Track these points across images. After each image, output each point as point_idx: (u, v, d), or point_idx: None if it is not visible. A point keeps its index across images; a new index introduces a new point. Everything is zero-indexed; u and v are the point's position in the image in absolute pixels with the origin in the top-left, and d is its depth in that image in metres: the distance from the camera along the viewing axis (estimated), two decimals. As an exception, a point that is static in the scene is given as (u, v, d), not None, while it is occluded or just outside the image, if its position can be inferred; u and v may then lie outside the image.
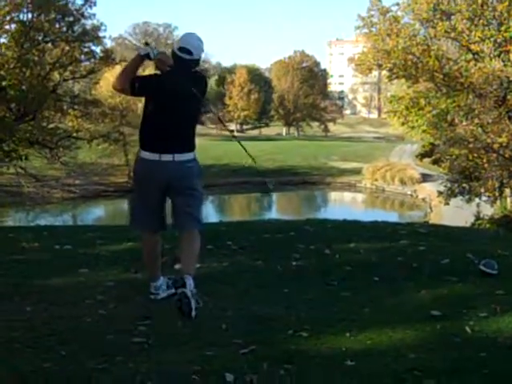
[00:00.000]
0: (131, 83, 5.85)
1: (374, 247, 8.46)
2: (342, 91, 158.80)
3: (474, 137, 25.82)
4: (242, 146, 6.53)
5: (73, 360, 4.46)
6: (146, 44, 6.03)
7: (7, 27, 32.72)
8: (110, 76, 59.63)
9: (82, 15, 34.37)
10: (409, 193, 59.76)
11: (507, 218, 26.71)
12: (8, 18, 32.02)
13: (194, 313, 5.29)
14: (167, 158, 5.75)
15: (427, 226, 12.61)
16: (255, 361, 4.48)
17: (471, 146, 26.07)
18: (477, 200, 29.94)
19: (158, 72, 6.00)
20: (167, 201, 6.02)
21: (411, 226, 12.04)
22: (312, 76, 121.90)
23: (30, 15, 32.89)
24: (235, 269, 7.31)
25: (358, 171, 69.59)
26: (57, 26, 34.04)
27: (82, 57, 35.58)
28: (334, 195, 67.80)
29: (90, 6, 34.46)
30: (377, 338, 4.97)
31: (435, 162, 37.49)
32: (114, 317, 5.49)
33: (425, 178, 59.91)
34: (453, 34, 27.07)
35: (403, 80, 31.05)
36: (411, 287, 6.54)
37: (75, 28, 34.59)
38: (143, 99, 5.98)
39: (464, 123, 26.56)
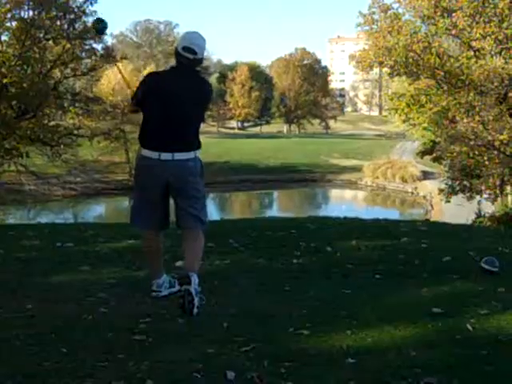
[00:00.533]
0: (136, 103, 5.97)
1: (375, 245, 8.47)
2: (342, 88, 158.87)
3: (474, 134, 25.80)
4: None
5: (74, 358, 4.46)
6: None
7: (8, 24, 32.67)
8: (111, 73, 59.86)
9: (84, 12, 34.30)
10: (410, 190, 59.81)
11: (508, 216, 26.69)
12: (9, 15, 31.98)
13: (195, 310, 5.31)
14: (167, 156, 5.73)
15: (428, 224, 12.61)
16: (256, 359, 4.48)
17: (472, 143, 26.07)
18: (478, 197, 29.96)
19: (160, 69, 6.04)
20: (170, 200, 6.00)
21: (412, 223, 12.06)
22: (313, 73, 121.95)
23: (30, 12, 32.82)
24: (236, 266, 7.32)
25: (358, 169, 69.64)
26: (58, 23, 33.97)
27: (83, 54, 35.50)
28: (334, 193, 67.85)
29: (91, 4, 34.36)
30: (378, 336, 4.97)
31: (436, 160, 37.52)
32: (115, 314, 5.49)
33: (426, 175, 59.97)
34: (454, 31, 27.04)
35: (404, 77, 31.05)
36: (412, 285, 6.54)
37: (76, 25, 34.50)
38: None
39: (465, 120, 26.51)
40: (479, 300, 5.92)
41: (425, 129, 34.26)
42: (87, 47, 35.37)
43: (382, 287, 6.40)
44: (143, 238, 6.23)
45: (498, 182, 28.75)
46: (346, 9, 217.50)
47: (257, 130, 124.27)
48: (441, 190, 31.87)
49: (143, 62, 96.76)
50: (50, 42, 34.18)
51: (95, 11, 34.81)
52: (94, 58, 35.94)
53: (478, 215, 28.65)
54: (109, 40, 48.86)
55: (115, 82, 61.64)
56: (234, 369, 4.27)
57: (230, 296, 6.11)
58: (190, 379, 4.16)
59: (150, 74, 6.29)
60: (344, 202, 59.94)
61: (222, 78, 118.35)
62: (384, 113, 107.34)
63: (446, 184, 30.94)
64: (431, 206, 46.70)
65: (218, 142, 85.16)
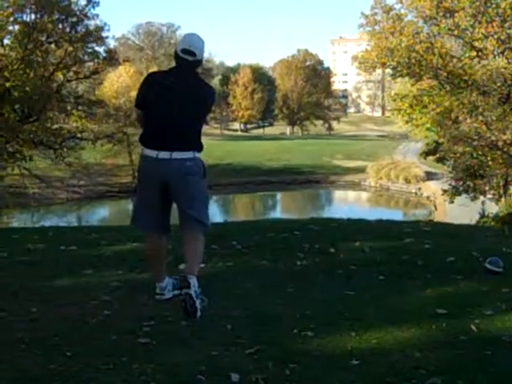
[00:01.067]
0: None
1: (378, 246, 8.46)
2: (345, 89, 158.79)
3: (478, 134, 25.77)
4: None
5: (78, 361, 4.46)
6: None
7: (11, 28, 32.78)
8: (113, 76, 59.92)
9: (85, 16, 34.44)
10: (413, 191, 59.75)
11: (512, 216, 26.66)
12: (11, 19, 32.06)
13: (199, 313, 5.31)
14: (164, 155, 5.71)
15: (432, 224, 12.61)
16: (260, 360, 4.48)
17: (475, 143, 26.04)
18: (481, 198, 29.92)
19: (160, 69, 6.08)
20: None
21: (416, 224, 12.05)
22: (315, 75, 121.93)
23: (33, 16, 32.96)
24: (240, 268, 7.31)
25: (362, 170, 69.57)
26: (60, 26, 34.11)
27: (86, 57, 35.65)
28: (338, 194, 67.80)
29: (93, 7, 34.54)
30: (382, 337, 4.97)
31: (439, 160, 37.48)
32: (119, 317, 5.49)
33: (429, 176, 59.88)
34: (456, 32, 27.02)
35: (407, 78, 31.03)
36: (416, 286, 6.54)
37: (78, 28, 34.65)
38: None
39: (468, 121, 26.48)
40: (483, 300, 5.92)
41: (428, 129, 34.21)
42: (89, 50, 35.48)
43: (386, 288, 6.40)
44: (146, 239, 6.22)
45: (501, 182, 28.72)
46: (348, 10, 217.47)
47: (260, 131, 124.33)
48: (444, 191, 31.86)
49: (145, 64, 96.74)
50: (53, 45, 34.34)
51: (97, 14, 34.96)
52: (96, 60, 36.05)
53: (482, 215, 28.60)
54: (111, 43, 48.86)
55: (118, 84, 61.63)
56: (238, 371, 4.27)
57: (233, 298, 6.11)
58: (195, 381, 4.16)
59: (150, 75, 6.28)
60: (347, 203, 59.88)
61: (225, 80, 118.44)
62: (387, 114, 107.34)
63: (450, 184, 30.92)
64: (435, 206, 46.61)
65: (220, 144, 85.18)
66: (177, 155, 5.71)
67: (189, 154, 5.76)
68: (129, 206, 57.32)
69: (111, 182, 58.78)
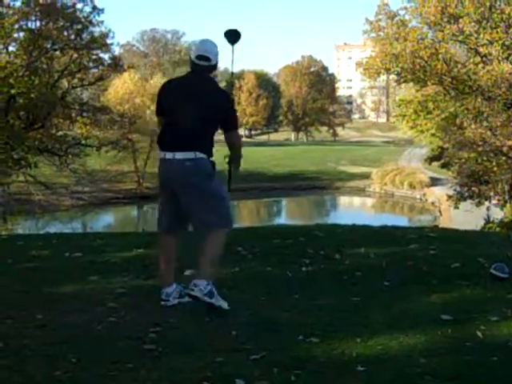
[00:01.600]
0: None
1: (383, 252, 8.45)
2: (350, 95, 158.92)
3: (483, 140, 25.78)
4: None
5: (84, 367, 4.47)
6: None
7: (16, 35, 32.84)
8: (118, 83, 59.97)
9: (90, 22, 34.48)
10: (418, 197, 59.71)
11: (517, 221, 26.64)
12: (16, 26, 32.13)
13: (217, 304, 5.67)
14: (169, 156, 5.93)
15: (437, 230, 12.58)
16: (266, 367, 4.48)
17: (480, 149, 26.05)
18: (486, 203, 29.90)
19: (167, 78, 6.19)
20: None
21: (421, 230, 12.02)
22: (320, 81, 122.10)
23: (38, 23, 33.02)
24: (245, 275, 7.31)
25: (367, 176, 69.58)
26: (65, 33, 34.14)
27: (91, 64, 35.66)
28: (343, 200, 67.80)
29: (98, 14, 34.58)
30: (387, 344, 4.96)
31: (444, 166, 37.50)
32: (125, 324, 5.50)
33: (434, 181, 59.86)
34: (461, 37, 27.03)
35: (411, 84, 31.04)
36: (421, 291, 6.53)
37: (83, 35, 34.68)
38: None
39: (473, 126, 26.48)
40: (489, 306, 5.91)
41: (433, 135, 34.23)
42: (94, 57, 35.52)
43: (391, 294, 6.39)
44: (159, 240, 6.34)
45: (506, 188, 28.68)
46: (353, 16, 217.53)
47: (264, 137, 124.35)
48: (449, 196, 31.84)
49: (150, 71, 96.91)
50: (58, 52, 34.37)
51: (102, 21, 35.00)
52: (101, 67, 36.08)
53: (487, 221, 28.58)
54: (116, 49, 48.97)
55: (122, 91, 61.66)
56: (243, 377, 4.27)
57: (238, 304, 6.10)
58: (200, 388, 4.17)
59: (166, 82, 6.48)
60: (352, 209, 59.89)
61: (229, 86, 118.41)
62: (392, 119, 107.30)
63: (455, 190, 30.91)
64: (440, 212, 46.56)
65: (225, 150, 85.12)
66: (179, 155, 5.86)
67: (190, 155, 5.84)
68: (134, 212, 57.42)
69: (116, 189, 58.78)
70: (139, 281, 7.10)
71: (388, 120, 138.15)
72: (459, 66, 26.83)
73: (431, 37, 28.09)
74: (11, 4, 32.24)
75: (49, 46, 33.63)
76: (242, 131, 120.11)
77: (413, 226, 17.81)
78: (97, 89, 44.92)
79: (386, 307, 5.99)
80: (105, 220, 52.30)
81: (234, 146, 6.31)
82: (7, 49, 32.63)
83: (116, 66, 36.44)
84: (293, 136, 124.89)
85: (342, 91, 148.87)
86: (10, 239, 11.73)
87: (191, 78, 6.07)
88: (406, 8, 28.70)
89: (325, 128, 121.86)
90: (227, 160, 6.50)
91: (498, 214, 29.61)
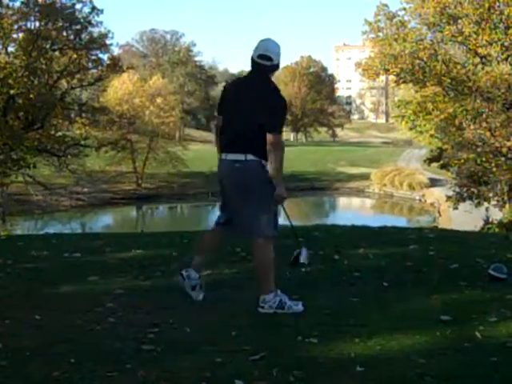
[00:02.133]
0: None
1: (382, 252, 8.45)
2: (349, 96, 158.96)
3: (482, 141, 25.80)
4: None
5: (82, 368, 4.46)
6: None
7: (15, 36, 32.84)
8: (117, 83, 59.99)
9: (89, 23, 34.51)
10: (417, 198, 59.75)
11: (516, 222, 26.63)
12: (16, 26, 32.14)
13: (290, 311, 5.87)
14: (223, 156, 6.04)
15: (436, 231, 12.60)
16: (265, 367, 4.47)
17: (479, 150, 26.06)
18: (485, 204, 29.89)
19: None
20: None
21: (420, 230, 12.04)
22: (319, 81, 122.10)
23: (37, 24, 33.03)
24: (244, 275, 7.30)
25: (366, 176, 69.60)
26: (64, 34, 34.17)
27: (90, 64, 35.68)
28: (342, 201, 67.83)
29: (97, 14, 34.60)
30: (386, 344, 4.96)
31: (443, 167, 37.45)
32: (124, 324, 5.49)
33: (433, 182, 59.89)
34: (460, 38, 27.05)
35: (411, 84, 31.05)
36: (420, 292, 6.52)
37: (82, 36, 34.71)
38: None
39: (472, 127, 26.50)
40: (488, 307, 5.91)
41: (432, 136, 34.20)
42: (93, 57, 35.53)
43: (390, 295, 6.39)
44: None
45: (505, 189, 28.68)
46: (352, 17, 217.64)
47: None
48: (448, 197, 31.83)
49: (149, 71, 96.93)
50: (57, 52, 34.37)
51: (101, 22, 35.03)
52: (100, 68, 36.08)
53: (486, 222, 28.58)
54: (115, 50, 49.01)
55: (121, 91, 61.68)
56: (242, 378, 4.27)
57: (238, 305, 6.11)
58: (199, 388, 4.17)
59: (226, 84, 6.53)
60: (351, 209, 59.85)
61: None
62: (391, 120, 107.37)
63: (454, 191, 30.90)
64: (439, 213, 46.60)
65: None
66: (230, 156, 5.93)
67: (240, 156, 5.86)
68: (133, 212, 57.42)
69: (115, 189, 58.80)
70: (138, 281, 7.10)
71: (387, 121, 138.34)
72: (458, 66, 26.85)
73: (430, 38, 28.12)
74: (10, 4, 32.28)
75: (48, 46, 33.64)
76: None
77: (412, 227, 17.80)
78: (96, 89, 44.98)
79: (385, 308, 5.99)
80: (104, 220, 52.30)
81: (270, 151, 5.89)
82: (6, 49, 32.64)
83: (115, 66, 36.45)
84: (292, 136, 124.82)
85: (341, 92, 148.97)
86: (9, 240, 11.73)
87: (250, 79, 6.10)
88: (405, 9, 28.71)
89: (324, 129, 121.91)
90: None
91: (497, 215, 29.62)
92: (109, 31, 35.71)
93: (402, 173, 65.39)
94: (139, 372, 4.39)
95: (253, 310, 5.94)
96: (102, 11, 34.79)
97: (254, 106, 5.85)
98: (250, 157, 5.84)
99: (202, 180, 63.74)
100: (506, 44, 26.22)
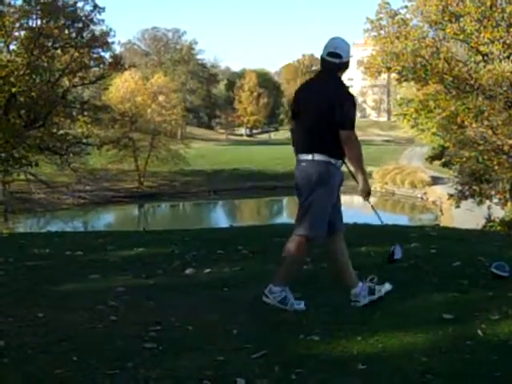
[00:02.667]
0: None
1: (384, 250, 8.42)
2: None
3: (483, 139, 25.76)
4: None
5: (84, 366, 4.47)
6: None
7: (16, 34, 32.84)
8: (119, 81, 59.99)
9: (91, 21, 34.49)
10: (419, 196, 59.66)
11: (518, 220, 26.62)
12: (17, 24, 32.13)
13: (291, 309, 5.88)
14: (297, 157, 6.01)
15: (438, 229, 12.59)
16: (267, 365, 4.48)
17: (481, 148, 26.01)
18: (487, 202, 29.86)
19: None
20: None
21: (422, 228, 12.04)
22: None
23: (39, 22, 32.99)
24: (246, 273, 7.31)
25: (368, 174, 69.48)
26: (66, 32, 34.14)
27: (92, 63, 35.65)
28: (344, 198, 67.33)
29: (99, 12, 34.59)
30: (388, 342, 4.96)
31: (445, 165, 37.42)
32: (125, 322, 5.50)
33: (435, 180, 59.78)
34: (462, 36, 26.98)
35: (412, 83, 30.99)
36: (422, 290, 6.52)
37: (84, 34, 34.69)
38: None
39: (474, 125, 26.43)
40: (489, 305, 5.90)
41: (434, 134, 34.17)
42: (95, 55, 35.51)
43: (392, 293, 6.38)
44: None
45: (507, 187, 28.64)
46: (354, 15, 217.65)
47: (265, 136, 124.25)
48: (450, 195, 31.79)
49: (151, 69, 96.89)
50: (59, 50, 34.34)
51: (103, 20, 35.01)
52: (102, 66, 36.05)
53: (488, 220, 28.55)
54: (117, 48, 48.98)
55: (123, 90, 61.67)
56: (244, 376, 4.27)
57: (239, 303, 6.11)
58: (201, 386, 4.17)
59: (302, 83, 6.48)
60: (353, 207, 59.71)
61: (230, 85, 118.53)
62: (393, 118, 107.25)
63: (456, 189, 30.87)
64: (441, 211, 46.50)
65: (226, 149, 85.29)
66: (300, 157, 5.95)
67: (307, 156, 5.86)
68: (134, 211, 57.42)
69: (117, 188, 58.79)
70: (140, 279, 7.10)
71: (389, 119, 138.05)
72: (460, 64, 26.79)
73: (432, 36, 28.05)
74: (12, 2, 32.26)
75: (50, 44, 33.62)
76: (243, 130, 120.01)
77: (414, 225, 17.78)
78: (98, 87, 44.97)
79: (387, 306, 5.99)
80: (106, 219, 52.32)
81: (346, 149, 5.93)
82: (8, 47, 32.62)
83: (117, 64, 36.43)
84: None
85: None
86: (11, 238, 11.75)
87: (319, 79, 6.09)
88: (406, 7, 28.66)
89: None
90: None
91: (499, 213, 29.60)
92: (110, 29, 35.71)
93: (404, 171, 65.32)
94: (141, 370, 4.39)
95: (254, 308, 5.94)
96: (103, 9, 34.81)
97: (323, 104, 5.82)
98: (317, 156, 5.83)
99: (203, 178, 63.83)
100: (507, 42, 26.14)
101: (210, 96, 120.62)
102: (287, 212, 59.51)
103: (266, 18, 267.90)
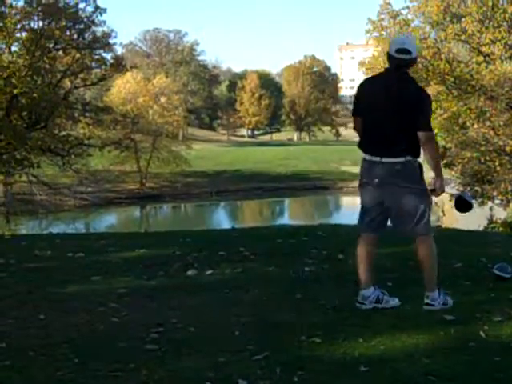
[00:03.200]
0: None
1: (386, 252, 8.42)
2: (352, 95, 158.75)
3: (485, 140, 25.74)
4: None
5: (86, 367, 4.46)
6: None
7: (18, 35, 32.83)
8: (121, 83, 60.03)
9: (93, 22, 34.48)
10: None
11: (520, 221, 26.60)
12: (19, 25, 32.13)
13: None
14: (376, 159, 5.94)
15: (440, 230, 12.57)
16: (268, 367, 4.47)
17: (483, 148, 25.99)
18: (489, 203, 29.83)
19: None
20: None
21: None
22: (323, 80, 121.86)
23: (40, 23, 33.01)
24: (248, 275, 7.30)
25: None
26: (67, 33, 34.15)
27: (93, 64, 35.65)
28: (346, 200, 67.66)
29: (101, 13, 34.57)
30: (390, 343, 4.95)
31: (447, 166, 37.38)
32: (127, 324, 5.50)
33: (437, 181, 59.72)
34: (463, 37, 26.99)
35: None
36: (424, 292, 6.51)
37: (86, 35, 34.69)
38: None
39: (475, 126, 26.44)
40: (492, 307, 5.90)
41: (435, 135, 34.18)
42: (97, 57, 35.52)
43: (394, 294, 6.37)
44: (358, 241, 6.32)
45: (509, 188, 28.62)
46: (355, 16, 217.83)
47: (267, 137, 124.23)
48: (452, 196, 31.75)
49: (153, 71, 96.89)
50: (60, 52, 34.35)
51: (104, 21, 35.03)
52: (103, 67, 36.07)
53: (490, 221, 28.52)
54: (118, 49, 49.01)
55: (125, 91, 61.69)
56: (246, 377, 4.27)
57: (241, 304, 6.10)
58: (202, 388, 4.16)
59: (365, 80, 6.39)
60: (355, 209, 59.55)
61: (232, 86, 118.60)
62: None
63: (458, 190, 30.84)
64: (443, 212, 46.43)
65: (228, 150, 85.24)
66: (388, 159, 5.84)
67: (400, 159, 5.81)
68: (136, 212, 57.43)
69: (119, 189, 58.75)
70: (141, 281, 7.10)
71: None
72: (462, 65, 26.79)
73: (434, 36, 28.06)
74: (13, 4, 32.27)
75: (51, 45, 33.63)
76: (244, 131, 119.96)
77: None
78: (99, 89, 45.05)
79: (389, 307, 5.98)
80: (107, 220, 52.32)
81: (425, 149, 5.91)
82: (10, 49, 32.62)
83: (119, 65, 36.42)
84: (295, 136, 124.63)
85: (344, 91, 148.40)
86: (13, 239, 11.74)
87: (389, 77, 5.94)
88: (408, 7, 28.67)
89: (327, 128, 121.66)
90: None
91: (500, 214, 29.57)
92: (112, 30, 35.71)
93: (405, 171, 65.33)
94: (143, 372, 4.39)
95: (256, 309, 5.94)
96: (105, 10, 34.79)
97: (402, 105, 5.76)
98: (409, 158, 5.80)
99: (205, 179, 63.81)
100: (509, 43, 26.17)
101: (211, 97, 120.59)
102: (289, 213, 59.54)
103: (267, 19, 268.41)
